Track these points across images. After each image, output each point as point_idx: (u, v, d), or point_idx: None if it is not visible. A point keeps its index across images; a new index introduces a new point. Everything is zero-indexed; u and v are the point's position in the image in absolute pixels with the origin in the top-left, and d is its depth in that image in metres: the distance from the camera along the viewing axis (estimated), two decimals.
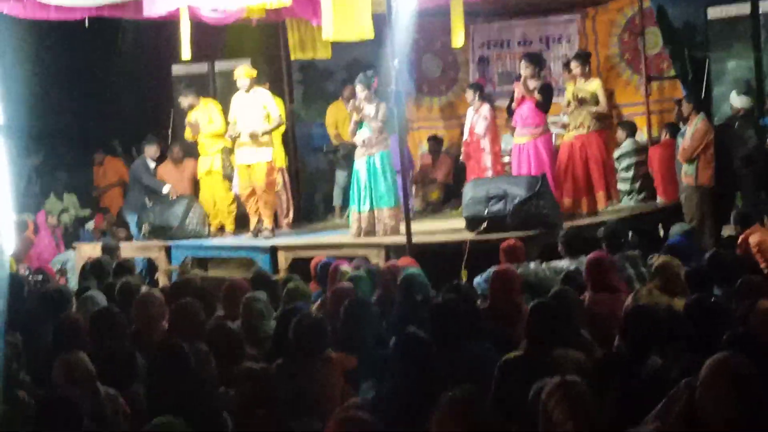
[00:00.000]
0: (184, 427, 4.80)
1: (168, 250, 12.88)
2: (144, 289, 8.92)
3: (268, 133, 12.48)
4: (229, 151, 13.36)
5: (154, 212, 13.50)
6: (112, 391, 5.90)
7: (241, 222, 13.35)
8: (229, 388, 5.91)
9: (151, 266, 13.41)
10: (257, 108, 12.47)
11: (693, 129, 12.67)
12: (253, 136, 12.34)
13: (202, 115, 13.57)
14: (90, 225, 15.26)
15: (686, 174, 12.72)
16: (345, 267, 9.11)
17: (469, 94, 14.09)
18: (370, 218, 11.62)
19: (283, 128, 13.59)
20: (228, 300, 8.09)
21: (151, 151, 14.40)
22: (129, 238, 14.07)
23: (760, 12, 13.85)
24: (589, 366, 5.62)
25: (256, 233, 12.69)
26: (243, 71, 12.59)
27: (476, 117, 13.85)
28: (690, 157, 12.61)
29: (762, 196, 12.67)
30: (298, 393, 5.92)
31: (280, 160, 13.59)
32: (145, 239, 13.32)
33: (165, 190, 13.91)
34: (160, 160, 14.52)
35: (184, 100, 13.77)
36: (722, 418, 4.17)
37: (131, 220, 14.20)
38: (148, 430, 4.80)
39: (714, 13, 14.05)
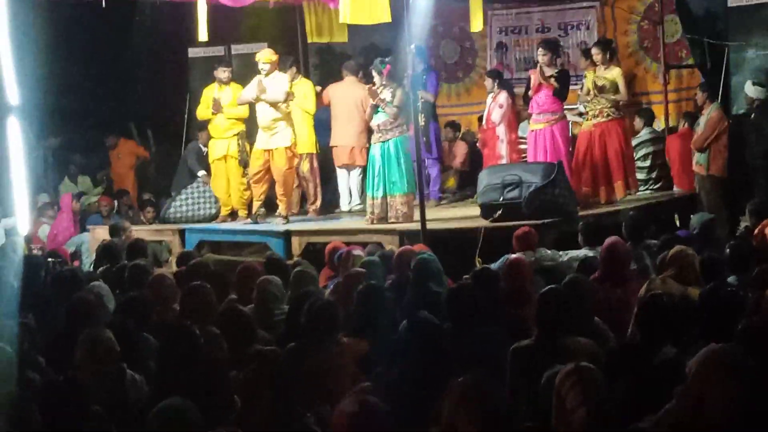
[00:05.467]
0: (194, 409, 4.78)
1: (182, 234, 12.87)
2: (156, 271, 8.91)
3: (284, 117, 12.37)
4: (245, 136, 13.29)
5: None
6: (138, 376, 5.87)
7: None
8: (240, 371, 5.89)
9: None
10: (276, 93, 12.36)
11: (706, 118, 12.66)
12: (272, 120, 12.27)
13: (226, 95, 13.25)
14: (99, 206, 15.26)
15: (697, 163, 12.69)
16: (358, 252, 9.09)
17: (488, 82, 13.99)
18: (383, 204, 11.57)
19: (311, 111, 13.45)
20: (241, 283, 8.07)
21: (204, 136, 14.30)
22: (155, 219, 14.14)
23: None
24: (601, 354, 5.58)
25: (256, 218, 12.63)
26: (264, 55, 12.45)
27: (493, 104, 13.77)
28: (702, 146, 12.60)
29: None
30: (308, 377, 5.88)
31: (310, 145, 13.39)
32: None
33: (199, 174, 14.00)
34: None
35: (222, 73, 13.35)
36: (715, 410, 4.14)
37: None
38: (157, 412, 4.78)
39: (734, 0, 13.92)
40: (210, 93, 13.37)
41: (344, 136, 13.33)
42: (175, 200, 13.81)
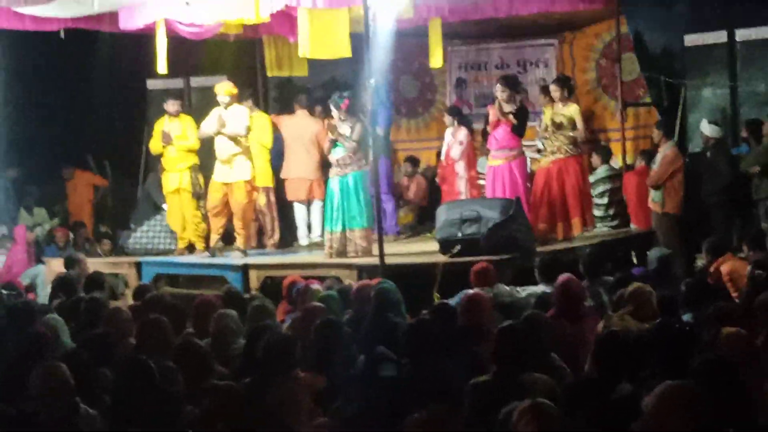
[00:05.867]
0: None
1: (139, 267, 12.78)
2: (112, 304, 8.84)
3: (244, 150, 12.34)
4: (198, 169, 13.24)
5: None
6: (92, 410, 5.80)
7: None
8: (196, 406, 5.84)
9: None
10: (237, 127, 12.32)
11: (661, 155, 12.75)
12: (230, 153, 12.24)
13: (176, 127, 13.23)
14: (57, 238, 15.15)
15: (653, 201, 12.77)
16: (316, 286, 9.06)
17: (448, 118, 14.05)
18: (342, 239, 11.56)
19: (268, 145, 13.41)
20: (198, 317, 8.03)
21: (159, 169, 14.19)
22: (112, 251, 14.02)
23: (737, 40, 13.88)
24: (558, 390, 5.58)
25: (214, 252, 12.56)
26: (223, 88, 12.41)
27: (453, 141, 13.81)
28: (656, 184, 12.67)
29: (737, 224, 12.68)
30: (264, 412, 5.85)
31: (267, 179, 13.34)
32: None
33: (164, 206, 13.91)
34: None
35: (171, 106, 13.33)
36: None
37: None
38: None
39: (691, 40, 14.05)
40: (160, 126, 13.34)
41: (299, 170, 13.32)
42: (135, 232, 13.73)
